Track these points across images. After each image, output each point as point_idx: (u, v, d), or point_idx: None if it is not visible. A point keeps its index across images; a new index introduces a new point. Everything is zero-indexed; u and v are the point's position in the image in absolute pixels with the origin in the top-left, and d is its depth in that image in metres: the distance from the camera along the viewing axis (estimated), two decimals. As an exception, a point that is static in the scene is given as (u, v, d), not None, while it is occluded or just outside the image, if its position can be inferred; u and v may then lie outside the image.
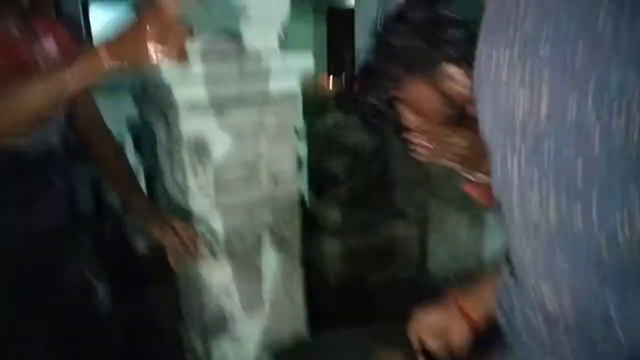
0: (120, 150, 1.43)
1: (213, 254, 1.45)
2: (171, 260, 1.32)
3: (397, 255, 2.75)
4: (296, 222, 1.70)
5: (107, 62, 0.85)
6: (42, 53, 1.13)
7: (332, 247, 2.34)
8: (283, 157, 1.62)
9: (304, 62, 1.55)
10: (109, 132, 1.37)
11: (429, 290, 2.37)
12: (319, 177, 2.79)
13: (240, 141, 1.53)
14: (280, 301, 1.75)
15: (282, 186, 1.63)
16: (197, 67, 1.38)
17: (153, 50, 0.84)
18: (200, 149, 1.48)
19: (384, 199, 3.14)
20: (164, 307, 1.90)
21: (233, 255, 1.60)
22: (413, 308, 1.09)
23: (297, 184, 1.68)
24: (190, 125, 1.45)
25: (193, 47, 1.39)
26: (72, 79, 0.86)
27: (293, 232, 1.70)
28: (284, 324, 1.77)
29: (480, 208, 2.21)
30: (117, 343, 1.35)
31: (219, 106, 1.47)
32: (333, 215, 2.42)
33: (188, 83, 1.40)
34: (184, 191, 1.51)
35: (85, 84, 0.89)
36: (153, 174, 1.85)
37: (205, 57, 1.41)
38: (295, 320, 1.80)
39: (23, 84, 0.85)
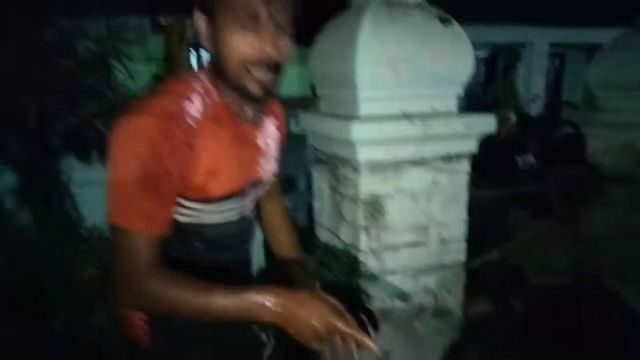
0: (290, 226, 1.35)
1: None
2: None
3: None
4: (460, 288, 1.61)
5: (270, 316, 0.87)
6: (266, 142, 1.11)
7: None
8: (453, 221, 1.55)
9: (485, 124, 1.48)
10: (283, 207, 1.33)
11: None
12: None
13: (413, 203, 1.48)
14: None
15: (450, 252, 1.56)
16: (385, 129, 1.36)
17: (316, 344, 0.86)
18: (377, 209, 1.45)
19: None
20: None
21: (394, 319, 1.55)
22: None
23: (464, 249, 1.60)
24: (368, 185, 1.43)
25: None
26: (237, 310, 0.88)
27: (455, 298, 1.61)
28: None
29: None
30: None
31: (397, 166, 1.44)
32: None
33: (372, 142, 1.38)
34: (355, 252, 1.48)
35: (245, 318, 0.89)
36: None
37: (392, 118, 1.39)
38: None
39: (207, 294, 0.88)
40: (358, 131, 1.34)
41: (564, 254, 3.34)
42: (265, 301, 0.87)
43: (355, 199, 1.45)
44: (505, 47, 8.30)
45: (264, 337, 1.31)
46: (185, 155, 0.91)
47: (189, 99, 0.94)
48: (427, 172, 1.48)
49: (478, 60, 8.19)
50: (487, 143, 4.99)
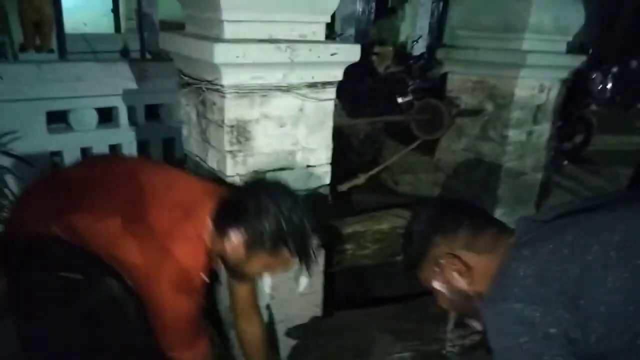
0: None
1: None
2: None
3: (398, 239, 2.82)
4: (325, 211, 1.72)
5: None
6: None
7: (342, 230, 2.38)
8: (319, 147, 1.62)
9: (351, 53, 1.53)
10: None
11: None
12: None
13: (280, 129, 1.52)
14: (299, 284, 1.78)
15: (316, 176, 1.64)
16: (250, 52, 1.35)
17: None
18: (243, 135, 1.46)
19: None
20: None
21: (262, 240, 1.61)
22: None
23: (329, 174, 1.69)
24: (234, 110, 1.43)
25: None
26: None
27: (321, 220, 1.72)
28: (302, 304, 1.81)
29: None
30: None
31: (263, 92, 1.45)
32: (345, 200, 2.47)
33: (237, 67, 1.36)
34: (222, 177, 1.50)
35: None
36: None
37: (259, 42, 1.38)
38: (313, 301, 1.84)
39: None
40: (222, 53, 1.31)
41: (422, 179, 3.67)
42: None
43: (221, 124, 1.45)
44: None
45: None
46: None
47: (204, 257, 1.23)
48: (294, 98, 1.51)
49: (369, -2, 8.29)
50: (370, 80, 5.17)
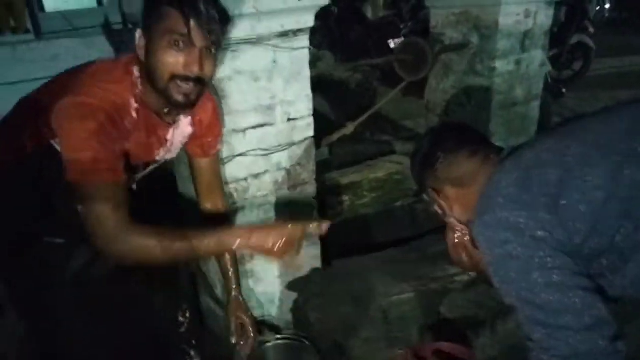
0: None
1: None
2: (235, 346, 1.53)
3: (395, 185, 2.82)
4: (312, 163, 1.71)
5: (240, 246, 1.11)
6: (173, 135, 1.28)
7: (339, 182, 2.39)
8: (299, 99, 1.59)
9: (319, -2, 1.48)
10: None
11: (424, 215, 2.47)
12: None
13: (255, 83, 1.49)
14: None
15: (299, 129, 1.62)
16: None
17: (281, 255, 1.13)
18: (217, 94, 1.43)
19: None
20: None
21: (252, 198, 1.62)
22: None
23: (312, 126, 1.66)
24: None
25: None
26: (208, 247, 1.10)
27: (308, 172, 1.71)
28: (300, 257, 1.83)
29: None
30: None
31: (232, 47, 1.41)
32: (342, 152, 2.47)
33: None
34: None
35: (213, 254, 1.29)
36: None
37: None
38: (311, 253, 1.87)
39: (174, 239, 1.07)
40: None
41: (418, 124, 3.63)
42: (238, 237, 1.11)
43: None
44: None
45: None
46: (120, 137, 1.09)
47: (132, 93, 1.12)
48: (265, 50, 1.47)
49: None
50: (361, 27, 5.03)
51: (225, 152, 1.51)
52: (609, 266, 0.84)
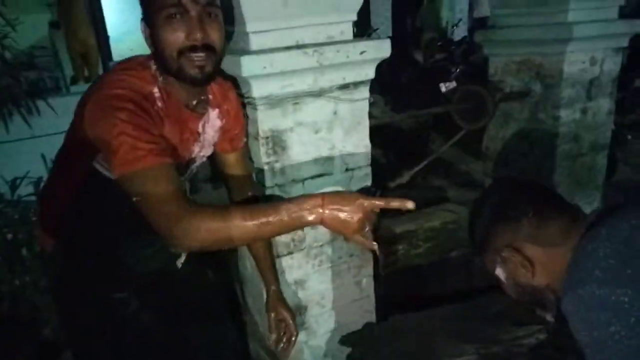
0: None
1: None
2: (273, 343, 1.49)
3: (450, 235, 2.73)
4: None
5: (322, 219, 0.97)
6: (204, 129, 1.26)
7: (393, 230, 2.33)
8: (357, 149, 1.57)
9: (381, 50, 1.48)
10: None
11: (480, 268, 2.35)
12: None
13: (315, 135, 1.49)
14: (351, 289, 1.75)
15: (356, 179, 1.59)
16: (277, 61, 1.33)
17: (359, 229, 0.98)
18: (279, 145, 1.44)
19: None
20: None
21: (308, 248, 1.59)
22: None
23: (370, 175, 1.64)
24: (268, 121, 1.41)
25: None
26: (282, 223, 0.98)
27: (365, 223, 1.67)
28: (354, 310, 1.78)
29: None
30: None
31: (295, 100, 1.42)
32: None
33: (266, 78, 1.35)
34: (261, 185, 1.49)
35: (287, 230, 1.04)
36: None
37: (285, 49, 1.35)
38: (364, 306, 1.81)
39: (244, 217, 0.97)
40: (249, 66, 1.30)
41: (473, 170, 3.53)
42: (312, 207, 0.97)
43: (256, 137, 1.44)
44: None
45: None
46: (152, 124, 1.04)
47: (153, 84, 1.09)
48: (326, 102, 1.47)
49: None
50: (412, 71, 5.05)
51: (283, 202, 1.50)
52: None
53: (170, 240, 0.98)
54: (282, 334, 1.48)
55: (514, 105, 2.18)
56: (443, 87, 5.40)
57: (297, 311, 1.65)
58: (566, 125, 2.09)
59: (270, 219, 0.97)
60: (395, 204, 0.99)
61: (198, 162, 1.33)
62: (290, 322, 1.47)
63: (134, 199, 0.98)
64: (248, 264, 1.81)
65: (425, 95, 5.32)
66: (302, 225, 1.00)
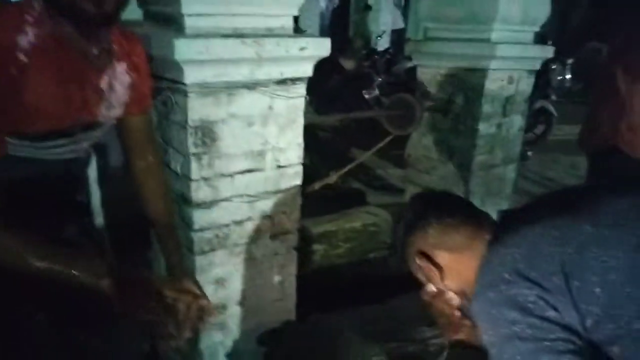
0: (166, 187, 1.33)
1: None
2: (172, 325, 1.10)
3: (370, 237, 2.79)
4: (296, 212, 1.65)
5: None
6: (111, 85, 1.06)
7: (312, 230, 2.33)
8: (290, 147, 1.54)
9: (321, 48, 1.46)
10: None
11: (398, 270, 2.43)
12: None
13: (248, 128, 1.44)
14: (273, 288, 1.71)
15: (287, 176, 1.56)
16: (214, 48, 1.26)
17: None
18: (208, 136, 1.37)
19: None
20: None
21: (232, 246, 1.54)
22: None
23: (301, 174, 1.62)
24: (199, 110, 1.34)
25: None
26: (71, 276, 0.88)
27: (292, 220, 1.65)
28: (274, 310, 1.75)
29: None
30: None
31: (229, 90, 1.36)
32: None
33: (200, 64, 1.27)
34: (186, 181, 1.41)
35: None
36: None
37: (223, 36, 1.29)
38: (285, 306, 1.78)
39: (29, 250, 0.87)
40: (183, 49, 1.22)
41: (390, 175, 3.65)
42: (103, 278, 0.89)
43: (184, 125, 1.35)
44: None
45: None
46: (8, 89, 0.86)
47: (21, 31, 0.89)
48: (262, 96, 1.43)
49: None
50: (338, 77, 5.10)
51: (209, 196, 1.43)
52: (622, 354, 0.81)
53: None
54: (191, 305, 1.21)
55: (437, 116, 2.28)
56: (366, 95, 5.54)
57: (215, 311, 1.59)
58: (483, 137, 2.22)
59: (64, 270, 0.89)
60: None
61: (106, 126, 1.13)
62: (198, 291, 1.17)
63: None
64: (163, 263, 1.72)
65: (350, 100, 5.44)
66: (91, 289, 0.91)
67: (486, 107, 2.16)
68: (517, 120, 2.35)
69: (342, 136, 4.03)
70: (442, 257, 0.97)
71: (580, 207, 0.91)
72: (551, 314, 0.80)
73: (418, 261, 0.98)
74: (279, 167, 1.54)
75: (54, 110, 0.95)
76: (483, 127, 2.19)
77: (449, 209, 1.02)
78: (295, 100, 1.51)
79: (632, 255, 0.78)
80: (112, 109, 1.08)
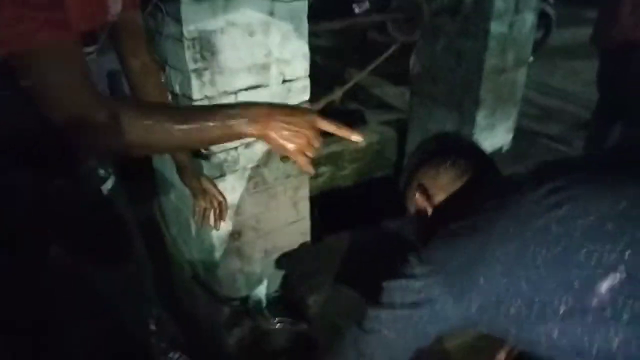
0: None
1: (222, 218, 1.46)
2: (198, 218, 1.43)
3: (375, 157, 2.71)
4: (307, 130, 1.54)
5: (266, 132, 0.80)
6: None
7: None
8: (295, 58, 1.41)
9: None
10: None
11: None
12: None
13: (250, 38, 1.29)
14: (287, 211, 1.65)
15: (294, 91, 1.44)
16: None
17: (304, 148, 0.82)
18: (207, 49, 1.23)
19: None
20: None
21: (242, 170, 1.45)
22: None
23: (308, 88, 1.50)
24: (194, 19, 1.19)
25: None
26: (225, 131, 0.81)
27: (303, 141, 1.55)
28: (289, 233, 1.70)
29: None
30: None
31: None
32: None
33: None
34: (188, 102, 1.29)
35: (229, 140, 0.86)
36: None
37: None
38: (300, 228, 1.73)
39: (173, 119, 0.79)
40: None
41: (387, 94, 3.52)
42: (256, 117, 0.80)
43: (179, 38, 1.21)
44: None
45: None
46: None
47: None
48: (262, 0, 1.27)
49: None
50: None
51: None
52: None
53: (85, 141, 0.77)
54: (209, 202, 1.41)
55: (445, 19, 2.11)
56: (357, 9, 5.23)
57: (231, 237, 1.53)
58: (495, 38, 2.07)
59: (207, 124, 0.79)
60: (344, 132, 0.85)
61: (110, 25, 1.03)
62: (214, 189, 1.40)
63: (29, 84, 0.71)
64: (172, 196, 1.64)
65: (339, 14, 5.14)
66: (240, 136, 0.82)
67: (498, 3, 1.99)
68: (529, 18, 2.18)
69: (335, 57, 3.83)
70: (439, 197, 1.00)
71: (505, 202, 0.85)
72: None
73: (417, 194, 1.01)
74: (285, 81, 1.42)
75: (82, 10, 0.83)
76: (495, 27, 2.03)
77: (451, 148, 1.05)
78: (297, 4, 1.35)
79: (520, 252, 0.75)
80: (115, 4, 1.00)
